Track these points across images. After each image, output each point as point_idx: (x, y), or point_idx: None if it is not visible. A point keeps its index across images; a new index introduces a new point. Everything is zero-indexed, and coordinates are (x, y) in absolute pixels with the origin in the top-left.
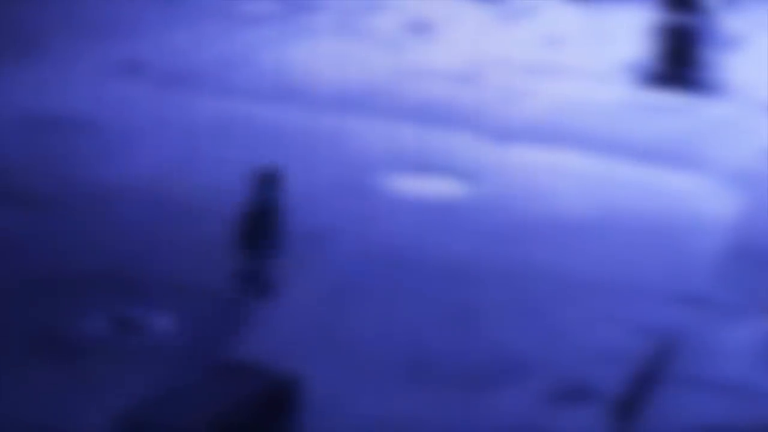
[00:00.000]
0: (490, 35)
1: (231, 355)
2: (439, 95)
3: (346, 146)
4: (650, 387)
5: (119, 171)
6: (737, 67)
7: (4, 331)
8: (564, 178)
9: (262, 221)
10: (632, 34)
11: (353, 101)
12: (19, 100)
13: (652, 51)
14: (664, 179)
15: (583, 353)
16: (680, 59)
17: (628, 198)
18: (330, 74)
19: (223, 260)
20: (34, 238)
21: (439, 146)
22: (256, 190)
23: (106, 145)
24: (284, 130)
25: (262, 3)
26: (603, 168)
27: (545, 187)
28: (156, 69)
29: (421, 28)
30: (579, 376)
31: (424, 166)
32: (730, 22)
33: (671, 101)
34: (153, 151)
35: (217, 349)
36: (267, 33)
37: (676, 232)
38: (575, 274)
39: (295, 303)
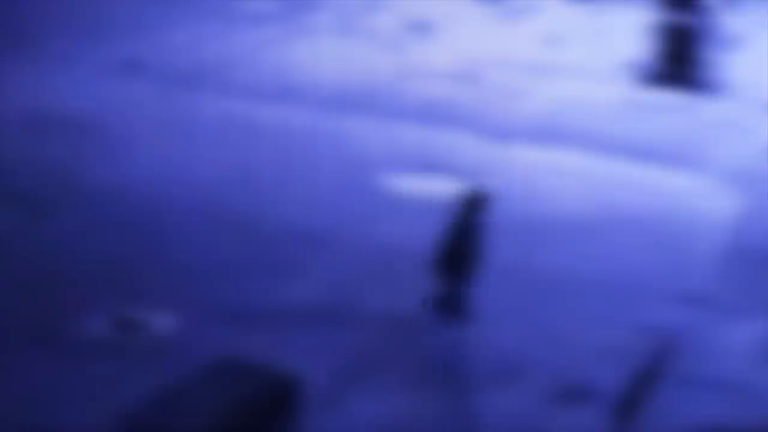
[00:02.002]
0: (491, 35)
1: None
2: (439, 95)
3: (347, 146)
4: (650, 387)
5: (120, 171)
6: (737, 66)
7: (4, 330)
8: (564, 178)
9: (463, 245)
10: (632, 34)
11: (354, 101)
12: (20, 100)
13: (652, 50)
14: (664, 179)
15: (583, 353)
16: (680, 59)
17: (628, 197)
18: (331, 74)
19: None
20: (34, 238)
21: (440, 146)
22: (460, 212)
23: (107, 145)
24: (285, 130)
25: (262, 3)
26: (603, 167)
27: (545, 186)
28: (156, 69)
29: (421, 27)
30: (579, 376)
31: (424, 165)
32: (730, 22)
33: (671, 100)
34: (154, 151)
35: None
36: (268, 33)
37: (676, 232)
38: (575, 273)
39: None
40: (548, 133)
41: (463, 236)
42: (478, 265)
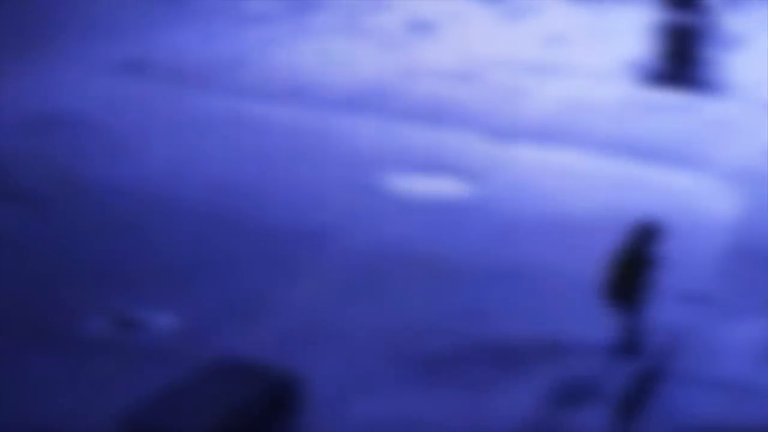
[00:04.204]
0: (493, 34)
1: (231, 354)
2: (441, 94)
3: (349, 145)
4: (653, 385)
5: (121, 171)
6: (739, 66)
7: (4, 330)
8: (566, 177)
9: (634, 274)
10: (634, 33)
11: (355, 100)
12: (22, 100)
13: (653, 50)
14: (666, 178)
15: (585, 352)
16: (682, 58)
17: (630, 197)
18: (332, 73)
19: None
20: (35, 237)
21: (442, 145)
22: (632, 242)
23: (108, 145)
24: (286, 129)
25: (264, 3)
26: (605, 167)
27: (547, 186)
28: (161, 68)
29: (423, 27)
30: (580, 375)
31: (426, 165)
32: (732, 22)
33: (673, 100)
34: (154, 150)
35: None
36: (270, 32)
37: (678, 231)
38: (577, 273)
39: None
40: (550, 132)
41: (635, 268)
42: (649, 297)
